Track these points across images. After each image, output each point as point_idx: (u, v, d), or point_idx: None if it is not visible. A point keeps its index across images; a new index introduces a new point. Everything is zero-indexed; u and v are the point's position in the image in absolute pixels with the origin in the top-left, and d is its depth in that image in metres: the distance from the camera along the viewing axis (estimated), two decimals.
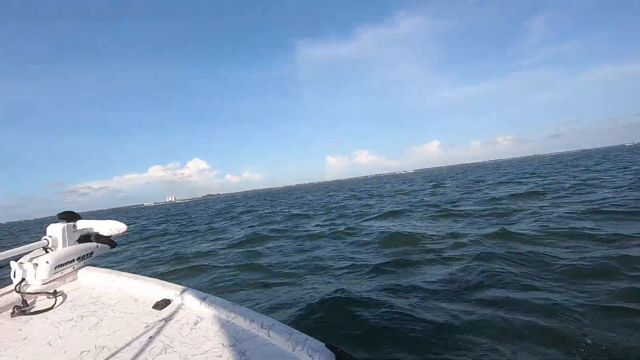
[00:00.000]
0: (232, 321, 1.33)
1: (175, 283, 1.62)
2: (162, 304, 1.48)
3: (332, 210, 15.50)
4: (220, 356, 1.13)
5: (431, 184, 29.30)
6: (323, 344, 1.12)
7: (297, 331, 1.20)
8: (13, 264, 1.60)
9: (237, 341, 1.21)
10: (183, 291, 1.54)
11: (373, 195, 23.94)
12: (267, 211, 20.74)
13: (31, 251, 1.68)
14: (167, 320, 1.37)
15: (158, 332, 1.28)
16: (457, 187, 21.21)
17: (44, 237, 1.74)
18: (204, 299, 1.46)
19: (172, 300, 1.51)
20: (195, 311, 1.43)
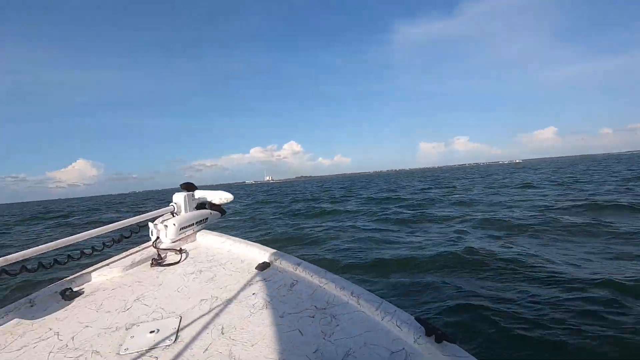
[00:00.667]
0: (324, 286, 1.41)
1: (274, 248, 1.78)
2: (262, 266, 1.64)
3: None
4: (313, 317, 1.21)
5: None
6: (413, 317, 1.11)
7: (387, 302, 1.22)
8: (150, 224, 1.94)
9: (328, 305, 1.28)
10: (281, 256, 1.68)
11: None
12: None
13: (162, 215, 2.01)
14: (267, 280, 1.52)
15: (260, 290, 1.43)
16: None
17: (171, 204, 2.06)
18: (298, 265, 1.57)
19: (271, 264, 1.67)
20: (291, 274, 1.55)
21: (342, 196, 20.04)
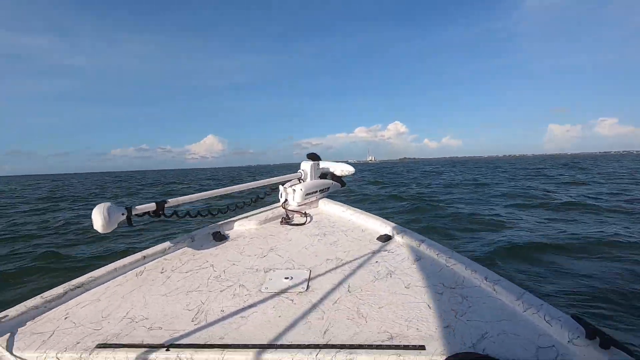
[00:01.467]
0: (451, 267, 1.35)
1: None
2: (384, 238, 1.65)
3: None
4: (441, 293, 1.18)
5: None
6: (568, 315, 0.97)
7: (530, 294, 1.10)
8: (280, 187, 2.14)
9: (457, 285, 1.23)
10: (403, 231, 1.67)
11: None
12: None
13: (290, 180, 2.20)
14: (390, 252, 1.53)
15: (383, 260, 1.46)
16: None
17: (299, 171, 2.24)
18: (422, 241, 1.55)
19: (393, 237, 1.67)
20: (414, 249, 1.53)
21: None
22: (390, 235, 1.68)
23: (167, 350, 0.96)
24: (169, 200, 1.60)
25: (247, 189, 2.06)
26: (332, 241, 1.67)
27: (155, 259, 1.57)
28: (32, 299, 1.22)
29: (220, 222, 1.93)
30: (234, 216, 2.03)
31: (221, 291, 1.27)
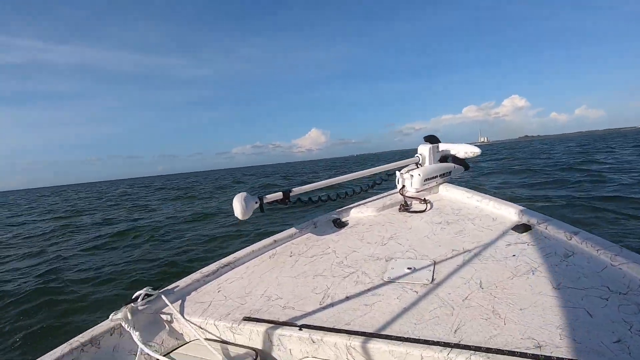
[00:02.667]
0: (619, 266, 1.08)
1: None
2: (522, 228, 1.43)
3: None
4: (606, 299, 0.95)
5: None
6: None
7: None
8: (397, 173, 2.07)
9: (630, 290, 0.98)
10: (545, 220, 1.42)
11: None
12: None
13: (407, 165, 2.10)
14: (529, 244, 1.32)
15: (521, 253, 1.26)
16: None
17: (416, 155, 2.11)
18: (575, 233, 1.28)
19: (534, 227, 1.43)
20: (563, 243, 1.28)
21: None
22: (529, 225, 1.44)
23: (300, 329, 1.03)
24: (294, 189, 1.71)
25: (363, 176, 2.05)
26: (457, 230, 1.53)
27: (284, 243, 1.70)
28: (195, 273, 1.47)
29: (339, 210, 1.97)
30: (351, 203, 2.04)
31: (344, 277, 1.30)
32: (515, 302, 1.00)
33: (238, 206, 1.45)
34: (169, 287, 1.38)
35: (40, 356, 1.03)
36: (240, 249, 1.63)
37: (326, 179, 1.95)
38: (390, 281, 1.21)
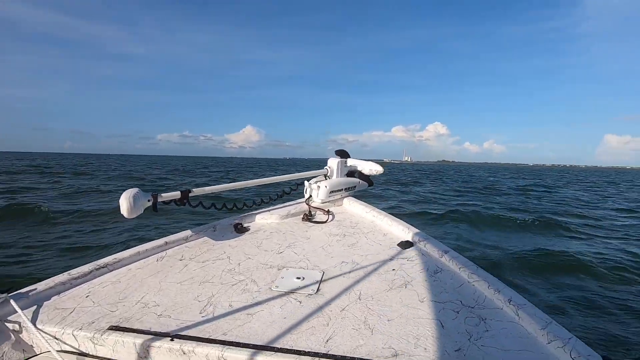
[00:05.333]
0: (473, 283, 1.25)
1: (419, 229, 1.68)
2: (405, 244, 1.57)
3: None
4: (457, 312, 1.09)
5: None
6: (599, 355, 0.86)
7: (558, 324, 0.99)
8: (306, 183, 2.12)
9: (477, 304, 1.13)
10: (425, 238, 1.58)
11: None
12: None
13: (316, 176, 2.16)
14: (408, 259, 1.45)
15: (400, 268, 1.38)
16: None
17: (326, 167, 2.20)
18: (445, 252, 1.45)
19: (415, 244, 1.58)
20: (435, 260, 1.44)
21: None
22: (411, 242, 1.59)
23: (172, 340, 0.98)
24: (194, 190, 1.63)
25: (272, 182, 2.05)
26: (351, 243, 1.62)
27: (176, 246, 1.60)
28: (60, 274, 1.29)
29: (243, 215, 1.94)
30: (258, 209, 2.03)
31: (232, 285, 1.27)
32: (385, 313, 1.08)
33: (125, 203, 1.32)
34: (22, 290, 1.19)
35: None
36: (124, 249, 1.49)
37: (248, 179, 1.92)
38: (278, 290, 1.22)
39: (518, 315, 1.06)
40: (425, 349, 0.93)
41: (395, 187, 16.58)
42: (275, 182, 2.06)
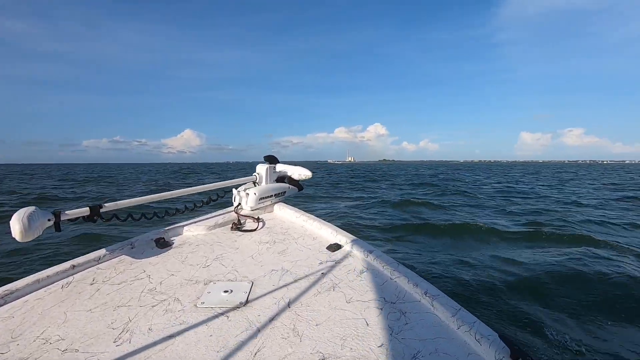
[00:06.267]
0: (395, 279, 1.33)
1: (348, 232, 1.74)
2: (334, 247, 1.62)
3: None
4: (381, 309, 1.16)
5: None
6: (496, 334, 0.99)
7: (465, 310, 1.11)
8: (234, 191, 2.07)
9: (398, 300, 1.21)
10: (353, 240, 1.64)
11: None
12: None
13: (245, 183, 2.13)
14: (337, 262, 1.50)
15: (329, 271, 1.42)
16: None
17: (254, 174, 2.18)
18: (370, 252, 1.52)
19: (343, 247, 1.63)
20: (362, 261, 1.50)
21: None
22: (340, 245, 1.64)
23: None
24: (106, 204, 1.50)
25: (198, 192, 1.96)
26: (281, 250, 1.62)
27: (86, 269, 1.44)
28: None
29: (166, 228, 1.82)
30: (183, 221, 1.93)
31: (153, 306, 1.18)
32: (313, 318, 1.10)
33: (17, 225, 1.14)
34: None
35: None
36: (20, 278, 1.30)
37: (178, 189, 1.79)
38: (203, 307, 1.17)
39: (433, 305, 1.15)
40: (351, 349, 0.96)
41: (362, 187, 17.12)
42: (201, 191, 1.98)
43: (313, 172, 2.31)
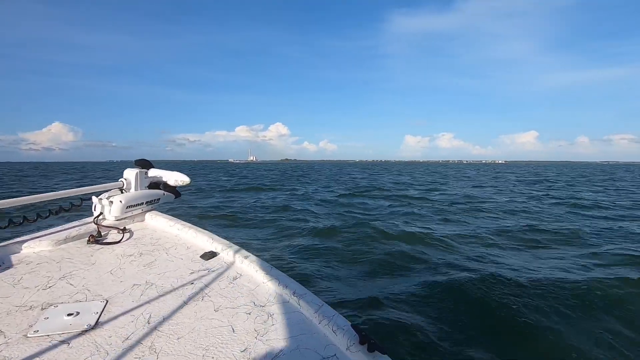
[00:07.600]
0: (267, 283, 1.36)
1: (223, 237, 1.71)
2: (208, 255, 1.57)
3: None
4: (249, 313, 1.17)
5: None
6: (349, 324, 1.08)
7: (327, 305, 1.19)
8: (94, 198, 1.82)
9: (268, 302, 1.24)
10: (229, 247, 1.62)
11: None
12: None
13: (109, 190, 1.90)
14: (210, 271, 1.45)
15: (199, 280, 1.37)
16: None
17: (121, 179, 1.95)
18: (245, 257, 1.51)
19: (218, 254, 1.60)
20: (236, 267, 1.49)
21: None
22: (215, 252, 1.60)
23: None
24: None
25: (49, 199, 1.66)
26: (148, 262, 1.50)
27: None
28: None
29: (1, 244, 1.51)
30: (25, 234, 1.62)
31: None
32: (175, 332, 1.04)
33: None
34: None
35: None
36: None
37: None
38: (37, 336, 1.00)
39: (299, 304, 1.20)
40: (212, 357, 0.95)
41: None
42: (51, 199, 1.67)
43: (191, 178, 2.20)
